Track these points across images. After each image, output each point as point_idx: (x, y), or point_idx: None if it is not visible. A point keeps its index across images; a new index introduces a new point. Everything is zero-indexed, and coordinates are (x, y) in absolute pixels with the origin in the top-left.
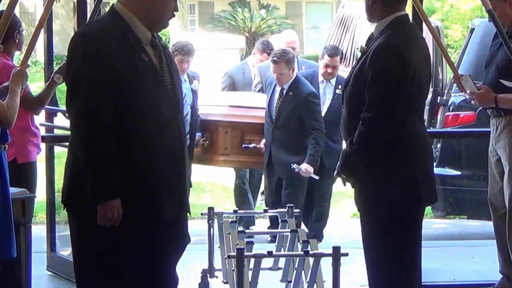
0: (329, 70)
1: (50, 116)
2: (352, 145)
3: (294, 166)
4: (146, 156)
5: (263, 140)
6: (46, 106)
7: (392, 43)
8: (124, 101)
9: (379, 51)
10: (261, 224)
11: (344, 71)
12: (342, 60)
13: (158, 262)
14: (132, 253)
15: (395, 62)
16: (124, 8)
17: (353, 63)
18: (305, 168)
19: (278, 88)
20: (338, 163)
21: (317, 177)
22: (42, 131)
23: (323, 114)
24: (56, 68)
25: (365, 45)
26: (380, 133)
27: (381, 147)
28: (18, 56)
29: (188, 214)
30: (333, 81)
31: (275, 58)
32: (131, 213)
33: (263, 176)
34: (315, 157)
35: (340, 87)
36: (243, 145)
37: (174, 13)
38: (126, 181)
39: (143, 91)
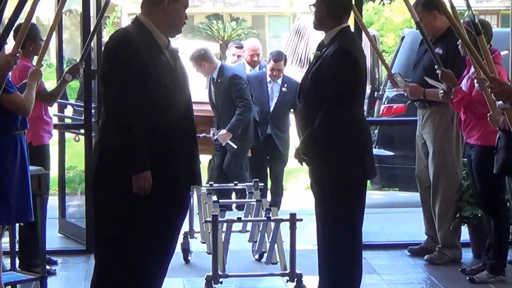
0: (275, 73)
1: (62, 108)
2: (312, 131)
3: (212, 130)
4: (167, 138)
5: (212, 130)
6: (58, 100)
7: (346, 49)
8: (150, 92)
9: (335, 55)
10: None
11: (300, 72)
12: (298, 63)
13: (169, 227)
14: (149, 216)
15: (349, 64)
16: (146, 19)
17: (307, 65)
18: (221, 133)
19: (210, 78)
20: (297, 146)
21: (235, 146)
22: (55, 120)
23: (271, 109)
24: (66, 69)
25: (318, 50)
26: (336, 122)
27: (336, 132)
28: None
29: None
30: (279, 81)
31: (189, 59)
32: (154, 183)
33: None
34: (235, 127)
35: (286, 85)
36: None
37: (185, 21)
38: (151, 158)
39: (164, 85)
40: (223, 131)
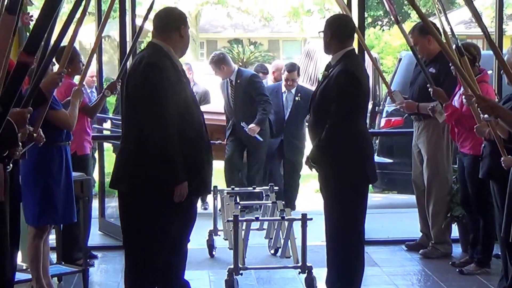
0: (289, 82)
1: (100, 121)
2: (320, 142)
3: (243, 124)
4: (190, 150)
5: (242, 124)
6: (98, 114)
7: (350, 70)
8: (179, 110)
9: (340, 76)
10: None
11: (310, 87)
12: (308, 81)
13: (185, 228)
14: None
15: (352, 84)
16: (164, 43)
17: (316, 83)
18: (251, 127)
19: (226, 82)
20: (308, 154)
21: (261, 139)
22: (95, 132)
23: (286, 117)
24: (105, 86)
25: (326, 71)
26: (340, 133)
27: (341, 143)
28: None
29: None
30: (293, 90)
31: (209, 63)
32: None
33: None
34: (263, 120)
35: (299, 95)
36: (210, 142)
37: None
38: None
39: (187, 103)
40: (252, 125)
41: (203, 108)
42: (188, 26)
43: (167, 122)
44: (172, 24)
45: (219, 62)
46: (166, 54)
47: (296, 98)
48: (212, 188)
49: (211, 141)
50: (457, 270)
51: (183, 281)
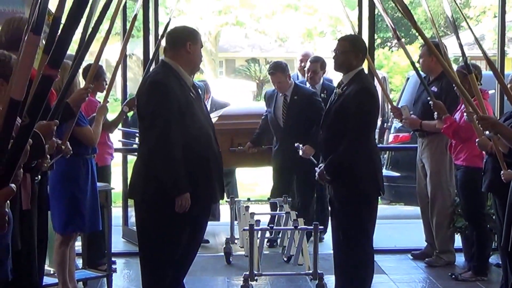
0: (310, 75)
1: (127, 135)
2: (340, 156)
3: (296, 144)
4: (198, 160)
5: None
6: (123, 128)
7: (368, 88)
8: (186, 123)
9: (361, 93)
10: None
11: None
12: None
13: (198, 234)
14: (183, 228)
15: (371, 101)
16: (173, 61)
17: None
18: (305, 148)
19: (280, 96)
20: (322, 168)
21: (315, 161)
22: (119, 145)
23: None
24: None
25: (338, 88)
26: (358, 148)
27: (359, 157)
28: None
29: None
30: (318, 87)
31: (271, 71)
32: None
33: None
34: (316, 144)
35: (325, 91)
36: (230, 148)
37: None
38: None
39: (195, 117)
40: (308, 146)
41: (222, 112)
42: (200, 43)
43: (169, 136)
44: (179, 42)
45: (284, 71)
46: (173, 71)
47: (322, 95)
48: (229, 199)
49: (231, 148)
50: (452, 275)
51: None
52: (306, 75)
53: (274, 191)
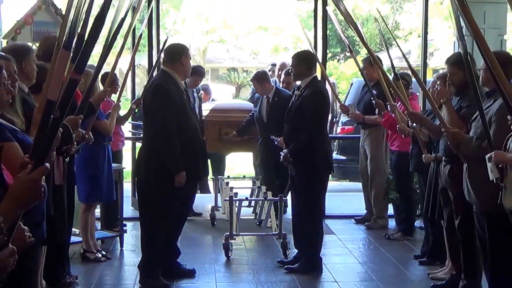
0: (285, 85)
1: (135, 127)
2: (300, 143)
3: (273, 137)
4: (188, 147)
5: (234, 133)
6: (132, 121)
7: (320, 91)
8: (180, 118)
9: (315, 95)
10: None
11: None
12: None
13: (188, 204)
14: (178, 197)
15: (323, 101)
16: (171, 70)
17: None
18: (280, 140)
19: (264, 98)
20: (286, 153)
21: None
22: (129, 134)
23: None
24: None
25: (297, 90)
26: (314, 137)
27: (315, 144)
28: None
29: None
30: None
31: (251, 79)
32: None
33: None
34: None
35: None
36: (219, 136)
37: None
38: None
39: (186, 113)
40: (281, 139)
41: (214, 106)
42: (190, 56)
43: (169, 127)
44: (175, 56)
45: (262, 80)
46: (171, 78)
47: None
48: (214, 176)
49: (220, 136)
50: (385, 236)
51: (177, 246)
52: (281, 84)
53: (256, 169)
